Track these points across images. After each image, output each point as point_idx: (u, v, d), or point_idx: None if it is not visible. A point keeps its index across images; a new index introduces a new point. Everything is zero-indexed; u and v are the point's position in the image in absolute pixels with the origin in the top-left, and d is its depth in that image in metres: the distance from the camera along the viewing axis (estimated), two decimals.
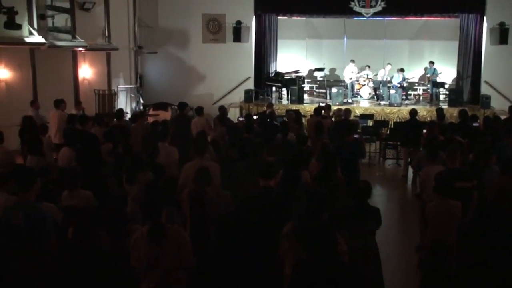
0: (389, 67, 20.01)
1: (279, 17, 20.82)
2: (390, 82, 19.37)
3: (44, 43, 13.08)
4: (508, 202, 6.86)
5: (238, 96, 19.13)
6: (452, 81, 20.22)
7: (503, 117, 13.66)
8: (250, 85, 19.48)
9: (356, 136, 10.13)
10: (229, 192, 6.47)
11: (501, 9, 17.87)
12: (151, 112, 17.36)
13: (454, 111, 16.26)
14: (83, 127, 10.00)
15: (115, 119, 11.97)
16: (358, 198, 5.79)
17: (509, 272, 5.94)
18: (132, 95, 19.00)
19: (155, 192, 5.57)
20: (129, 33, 18.99)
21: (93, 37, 16.08)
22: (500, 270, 5.97)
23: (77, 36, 14.69)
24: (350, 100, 18.94)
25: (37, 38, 13.02)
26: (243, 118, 12.85)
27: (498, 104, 17.72)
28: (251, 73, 19.72)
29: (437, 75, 19.29)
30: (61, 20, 14.75)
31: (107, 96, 16.49)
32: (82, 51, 15.39)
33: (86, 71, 16.45)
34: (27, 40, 12.83)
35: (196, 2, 19.09)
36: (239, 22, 19.13)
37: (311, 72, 22.33)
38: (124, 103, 17.89)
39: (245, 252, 5.57)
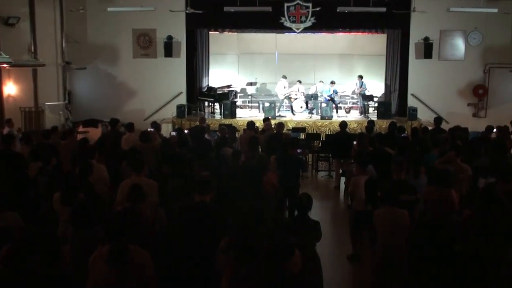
0: (321, 84, 20.24)
1: (210, 32, 20.78)
2: (321, 95, 19.67)
3: None
4: (434, 212, 7.01)
5: (171, 111, 18.90)
6: (381, 94, 20.76)
7: (430, 128, 14.08)
8: (183, 100, 19.31)
9: (298, 150, 10.24)
10: (162, 209, 6.36)
11: (424, 25, 18.54)
12: (80, 129, 16.88)
13: (383, 123, 16.70)
14: (8, 146, 9.57)
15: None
16: (300, 211, 5.82)
17: None
18: (61, 112, 18.48)
19: (121, 212, 5.43)
20: (56, 49, 18.52)
21: (19, 53, 15.62)
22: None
23: (1, 52, 14.22)
24: (282, 114, 19.13)
25: None
26: (175, 133, 12.66)
27: (424, 116, 18.29)
28: (183, 88, 19.54)
29: (365, 88, 19.75)
30: None
31: (34, 113, 16.08)
32: (7, 68, 14.92)
33: (11, 88, 15.95)
34: None
35: (126, 17, 18.68)
36: (170, 37, 18.99)
37: (243, 86, 22.44)
38: (53, 120, 17.33)
39: (181, 268, 5.48)
